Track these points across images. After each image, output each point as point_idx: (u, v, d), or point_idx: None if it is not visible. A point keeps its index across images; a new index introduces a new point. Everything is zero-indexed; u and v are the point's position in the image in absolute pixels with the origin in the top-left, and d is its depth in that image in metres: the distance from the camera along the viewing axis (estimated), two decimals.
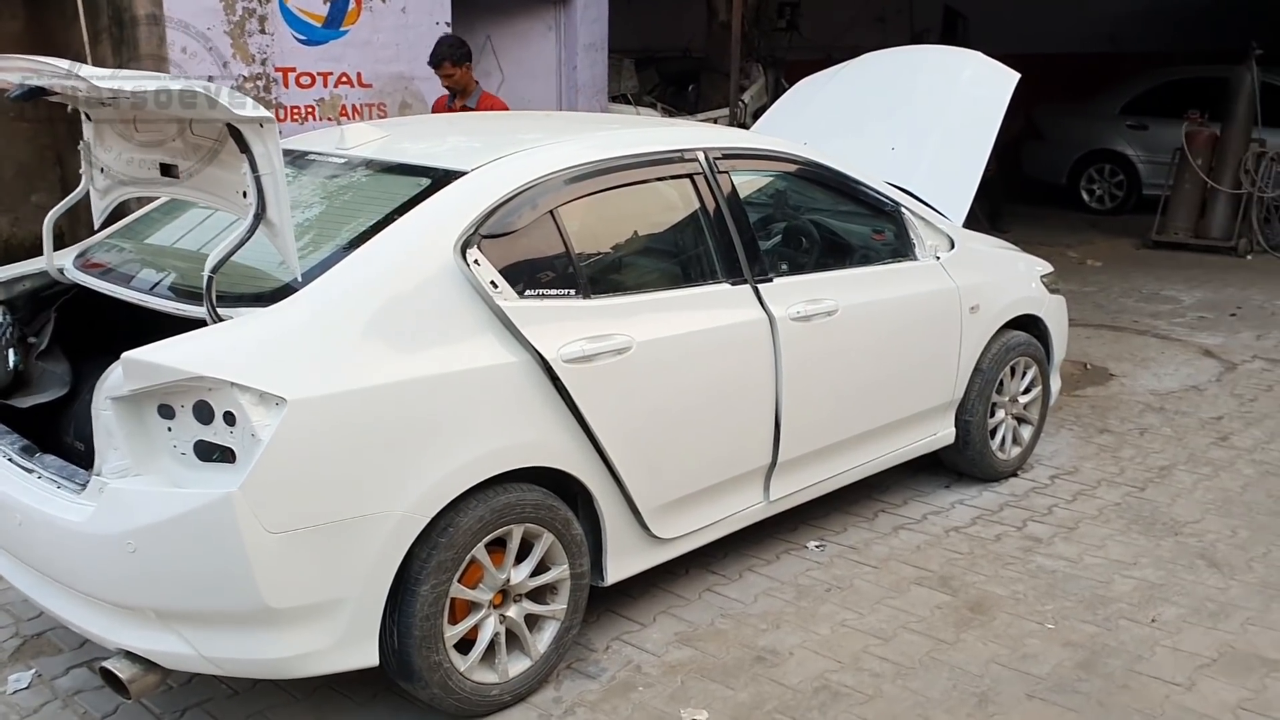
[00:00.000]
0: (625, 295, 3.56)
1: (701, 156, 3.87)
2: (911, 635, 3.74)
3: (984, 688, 3.43)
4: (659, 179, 3.78)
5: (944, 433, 4.80)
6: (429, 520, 3.01)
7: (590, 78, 8.45)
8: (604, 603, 3.84)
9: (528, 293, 3.26)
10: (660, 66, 10.65)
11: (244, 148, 2.86)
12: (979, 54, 5.74)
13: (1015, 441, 5.12)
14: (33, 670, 3.55)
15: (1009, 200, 11.64)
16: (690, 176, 3.83)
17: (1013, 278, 5.10)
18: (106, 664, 2.94)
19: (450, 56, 6.38)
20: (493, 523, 3.15)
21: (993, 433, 4.97)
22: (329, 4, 6.96)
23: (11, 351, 3.57)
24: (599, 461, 3.38)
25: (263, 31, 6.64)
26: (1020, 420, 5.15)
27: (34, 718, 3.32)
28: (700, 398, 3.68)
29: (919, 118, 5.49)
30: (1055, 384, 5.38)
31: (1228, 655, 3.62)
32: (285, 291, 3.01)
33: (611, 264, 3.65)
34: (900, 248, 4.56)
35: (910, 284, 4.51)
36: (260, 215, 2.91)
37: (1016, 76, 5.46)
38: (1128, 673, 3.53)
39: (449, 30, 7.41)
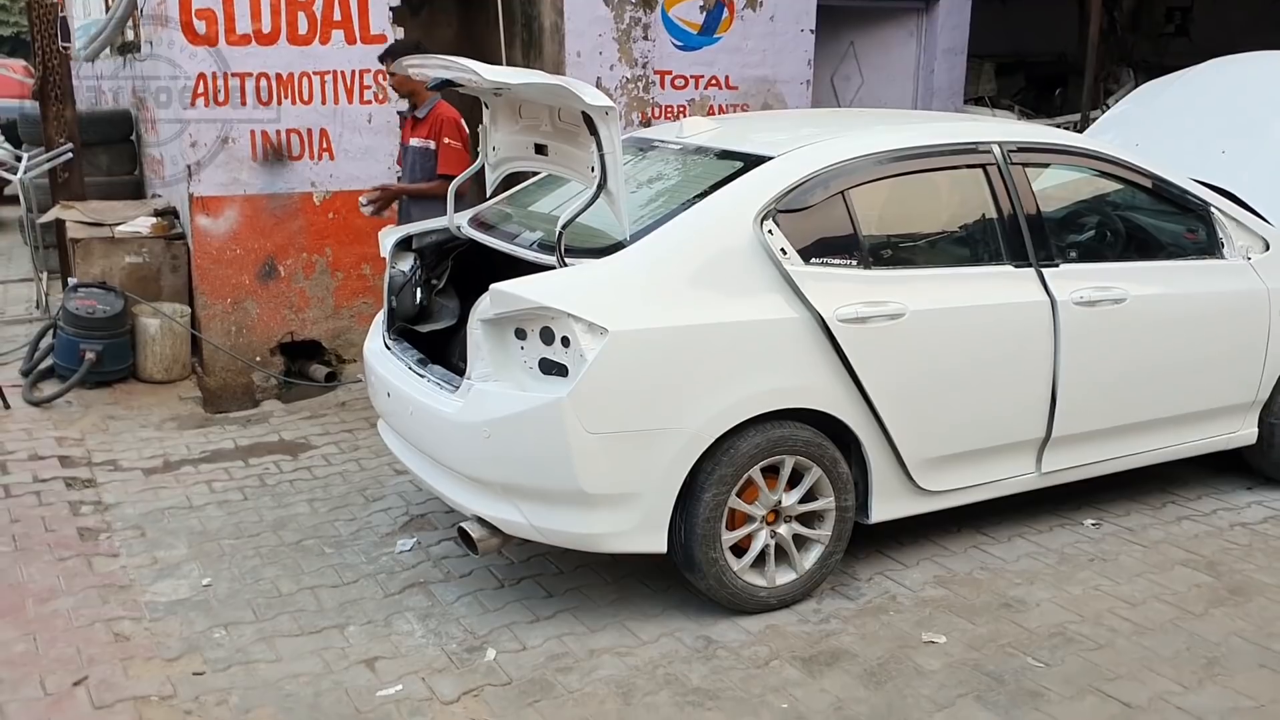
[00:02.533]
0: (904, 269, 4.05)
1: (996, 149, 4.26)
2: (1160, 604, 3.96)
3: (1217, 654, 3.62)
4: (949, 168, 4.23)
5: (1244, 432, 4.85)
6: (713, 440, 3.67)
7: (947, 81, 8.77)
8: (874, 543, 4.33)
9: (813, 260, 3.83)
10: (1029, 70, 10.70)
11: (592, 130, 3.63)
12: None
13: None
14: (415, 539, 4.56)
15: None
16: (983, 167, 4.23)
17: None
18: (463, 524, 3.84)
19: (396, 55, 5.45)
20: (767, 450, 3.76)
21: None
22: (705, 13, 7.76)
23: (419, 290, 4.60)
24: (867, 411, 3.89)
25: (645, 38, 7.56)
26: None
27: (411, 571, 4.30)
28: (971, 366, 4.09)
29: (1255, 122, 5.47)
30: None
31: None
32: (617, 247, 3.76)
33: (894, 240, 4.14)
34: (1207, 246, 4.68)
35: (1212, 281, 4.63)
36: (602, 185, 3.68)
37: None
38: None
39: (813, 36, 8.01)
